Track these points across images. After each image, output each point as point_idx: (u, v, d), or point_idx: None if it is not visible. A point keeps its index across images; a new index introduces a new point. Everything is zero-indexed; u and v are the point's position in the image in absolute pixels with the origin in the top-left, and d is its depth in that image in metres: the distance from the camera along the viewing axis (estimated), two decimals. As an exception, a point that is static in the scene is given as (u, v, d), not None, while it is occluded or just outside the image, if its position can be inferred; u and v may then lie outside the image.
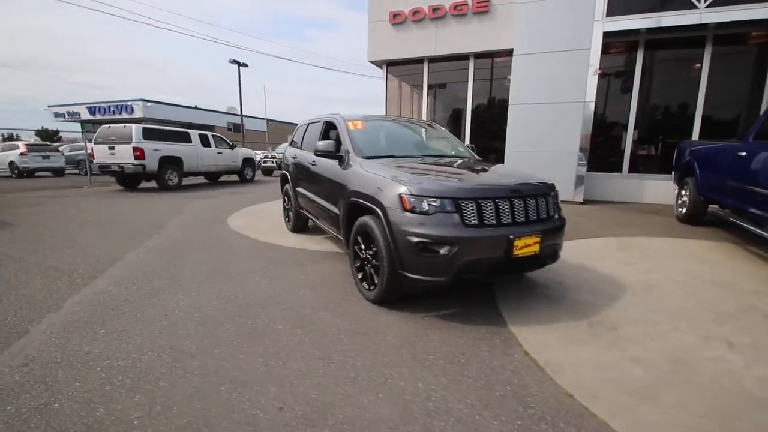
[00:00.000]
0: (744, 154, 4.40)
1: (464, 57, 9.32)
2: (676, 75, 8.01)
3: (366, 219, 2.86)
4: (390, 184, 2.66)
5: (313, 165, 4.08)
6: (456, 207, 2.47)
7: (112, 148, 9.42)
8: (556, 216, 2.91)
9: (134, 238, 4.79)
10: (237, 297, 2.96)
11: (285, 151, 5.58)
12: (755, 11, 6.46)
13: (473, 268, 2.50)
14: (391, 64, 10.19)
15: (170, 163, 10.20)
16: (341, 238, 3.51)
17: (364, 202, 2.87)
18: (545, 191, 2.86)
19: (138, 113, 26.03)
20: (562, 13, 7.61)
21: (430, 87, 9.95)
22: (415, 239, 2.45)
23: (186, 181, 11.48)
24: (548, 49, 7.80)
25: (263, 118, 38.66)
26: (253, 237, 4.95)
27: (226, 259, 3.92)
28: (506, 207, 2.57)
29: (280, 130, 39.09)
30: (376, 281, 2.79)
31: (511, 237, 2.49)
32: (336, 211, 3.48)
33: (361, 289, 3.00)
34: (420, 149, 3.94)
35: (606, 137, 8.50)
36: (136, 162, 9.25)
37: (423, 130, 4.35)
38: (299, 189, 4.67)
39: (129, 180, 10.51)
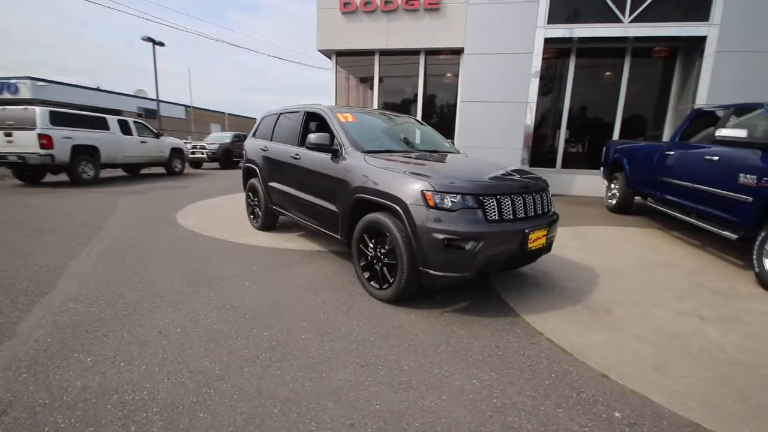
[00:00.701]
0: (673, 153, 5.13)
1: (416, 52, 9.43)
2: (601, 81, 9.01)
3: (377, 216, 2.76)
4: (409, 180, 2.60)
5: (296, 159, 3.82)
6: (478, 203, 2.51)
7: (9, 135, 7.78)
8: (553, 210, 3.10)
9: (70, 243, 4.05)
10: (234, 306, 2.67)
11: (246, 143, 5.15)
12: (667, 29, 7.53)
13: (493, 261, 2.57)
14: (341, 55, 9.92)
15: (84, 153, 8.78)
16: (336, 236, 3.35)
17: (377, 198, 2.77)
18: (545, 187, 3.03)
19: (25, 94, 21.85)
20: (510, 17, 8.08)
21: (380, 80, 9.90)
22: (441, 236, 2.43)
23: (102, 174, 10.01)
24: (496, 51, 8.25)
25: (182, 104, 35.19)
26: (219, 237, 4.50)
27: (198, 264, 3.50)
28: (520, 202, 2.67)
29: (201, 118, 35.96)
30: (390, 280, 2.72)
31: (527, 231, 2.60)
32: (331, 207, 3.31)
33: (370, 289, 2.91)
34: (410, 144, 3.91)
35: (543, 135, 9.28)
36: (42, 152, 7.77)
37: (409, 125, 4.31)
38: (272, 184, 4.35)
39: (31, 173, 8.82)
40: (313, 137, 3.32)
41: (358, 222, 2.97)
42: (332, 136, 3.36)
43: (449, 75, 9.62)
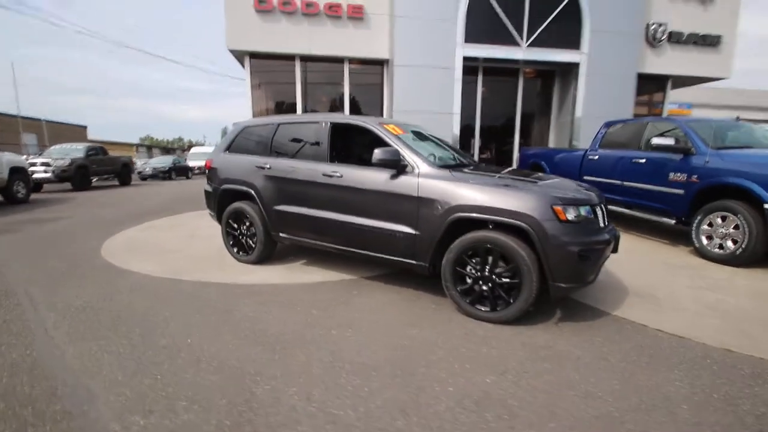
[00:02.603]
0: (597, 157, 6.28)
1: (339, 60, 9.18)
2: (502, 96, 10.37)
3: (489, 235, 2.61)
4: (536, 196, 2.55)
5: (331, 177, 3.29)
6: (594, 213, 2.63)
7: None
8: None
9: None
10: (359, 363, 2.16)
11: (218, 159, 4.19)
12: (553, 54, 9.17)
13: (601, 265, 2.73)
14: (256, 57, 8.91)
15: None
16: (407, 260, 3.03)
17: (490, 217, 2.61)
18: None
19: None
20: (434, 33, 8.61)
21: (303, 87, 9.28)
22: (576, 248, 2.46)
23: None
24: (423, 64, 8.68)
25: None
26: (210, 280, 3.53)
27: (243, 322, 2.68)
28: (605, 211, 2.90)
29: (7, 126, 27.34)
30: (512, 300, 2.61)
31: (618, 235, 2.85)
32: (406, 230, 2.96)
33: (477, 314, 2.72)
34: (455, 157, 3.77)
35: (462, 145, 10.17)
36: None
37: (431, 137, 4.13)
38: (283, 208, 3.64)
39: None
40: (380, 153, 2.92)
41: (452, 243, 2.76)
42: (391, 152, 3.01)
43: (375, 84, 9.67)
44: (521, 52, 9.07)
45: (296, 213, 3.57)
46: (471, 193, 2.71)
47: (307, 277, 3.67)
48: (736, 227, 4.10)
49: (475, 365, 2.16)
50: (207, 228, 5.80)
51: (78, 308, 2.87)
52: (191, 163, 22.28)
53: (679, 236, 5.31)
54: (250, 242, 3.99)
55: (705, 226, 4.41)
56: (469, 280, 2.78)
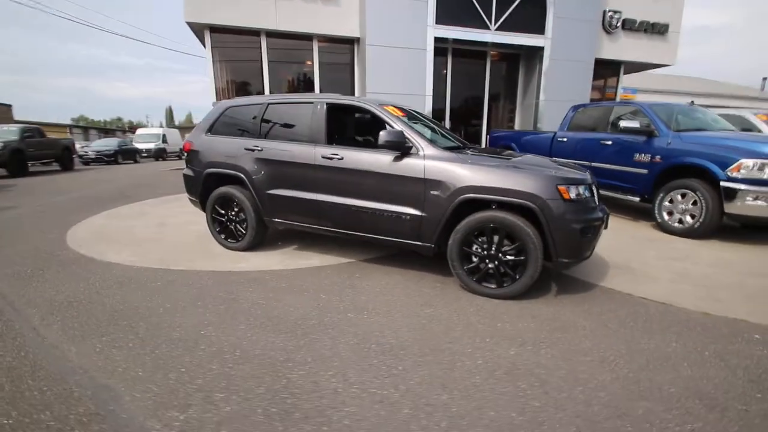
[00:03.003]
0: (566, 139, 6.61)
1: (308, 38, 8.81)
2: (472, 78, 10.51)
3: (496, 215, 2.71)
4: (541, 176, 2.66)
5: (331, 159, 3.22)
6: (591, 191, 2.80)
7: None
8: None
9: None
10: (371, 348, 2.18)
11: (199, 141, 3.94)
12: (520, 38, 9.39)
13: (597, 241, 2.93)
14: (216, 31, 8.32)
15: None
16: (412, 242, 3.07)
17: (498, 197, 2.70)
18: None
19: None
20: (404, 13, 8.48)
21: (270, 65, 8.84)
22: (579, 225, 2.63)
23: None
24: (395, 44, 8.56)
25: None
26: (206, 268, 3.37)
27: (255, 307, 2.60)
28: (597, 190, 3.09)
29: None
30: (518, 276, 2.74)
31: (608, 213, 3.06)
32: (411, 212, 2.99)
33: (484, 291, 2.84)
34: (453, 139, 3.81)
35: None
36: None
37: (427, 119, 4.11)
38: (276, 192, 3.52)
39: None
40: (385, 135, 2.89)
41: (458, 224, 2.83)
42: (396, 134, 2.99)
43: (344, 64, 9.42)
44: (490, 35, 9.21)
45: (292, 197, 3.47)
46: (479, 174, 2.77)
47: (304, 262, 3.61)
48: (695, 203, 4.53)
49: (495, 339, 2.27)
50: (176, 216, 5.49)
51: (63, 304, 2.63)
52: (139, 146, 20.65)
53: (641, 213, 5.79)
54: (240, 228, 3.83)
55: (666, 203, 4.83)
56: (475, 259, 2.88)
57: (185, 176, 4.13)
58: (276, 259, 3.66)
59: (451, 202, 2.82)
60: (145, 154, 20.88)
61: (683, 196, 4.68)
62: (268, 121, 3.64)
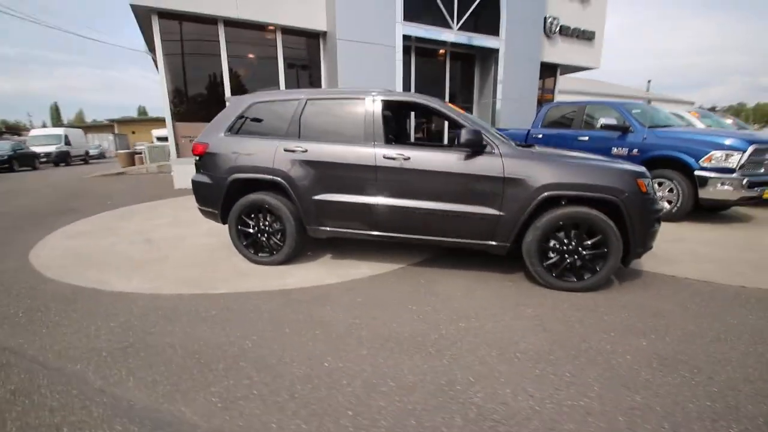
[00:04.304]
0: (541, 135, 7.06)
1: (271, 29, 8.18)
2: (434, 77, 10.67)
3: (579, 210, 2.77)
4: (622, 170, 2.78)
5: (402, 160, 3.00)
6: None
7: None
8: None
9: None
10: (518, 356, 2.11)
11: (222, 143, 3.41)
12: (478, 39, 9.79)
13: None
14: (165, 17, 7.30)
15: None
16: (486, 242, 3.01)
17: (583, 193, 2.76)
18: None
19: None
20: (374, 9, 8.30)
21: (228, 58, 8.02)
22: (653, 217, 2.81)
23: None
24: (365, 40, 8.35)
25: None
26: (254, 289, 2.93)
27: (341, 334, 2.31)
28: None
29: None
30: (598, 269, 2.84)
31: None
32: (488, 212, 2.92)
33: (564, 285, 2.89)
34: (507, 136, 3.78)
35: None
36: None
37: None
38: (326, 197, 3.19)
39: None
40: (466, 133, 2.79)
41: (537, 221, 2.85)
42: (477, 132, 2.88)
43: (310, 59, 8.93)
44: (453, 35, 9.45)
45: (345, 202, 3.18)
46: (562, 171, 2.81)
47: (355, 271, 3.34)
48: (671, 190, 5.15)
49: (617, 332, 2.32)
50: (155, 229, 4.76)
51: (114, 352, 2.08)
52: (36, 149, 17.38)
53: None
54: (274, 240, 3.41)
55: (647, 191, 5.42)
56: (552, 255, 2.92)
57: (197, 184, 3.56)
58: (321, 271, 3.33)
59: (533, 200, 2.82)
60: (44, 159, 17.68)
61: (660, 184, 5.28)
62: (308, 120, 3.28)
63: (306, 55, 8.92)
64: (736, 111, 66.80)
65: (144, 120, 42.78)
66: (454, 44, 9.92)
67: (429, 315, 2.54)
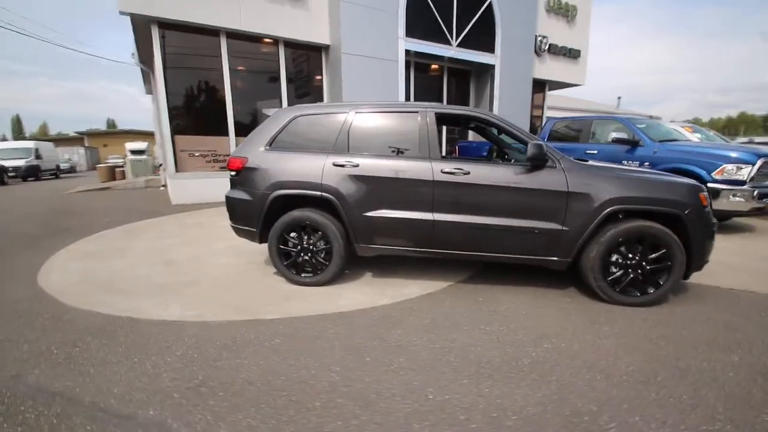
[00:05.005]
0: (549, 149, 7.18)
1: (274, 42, 8.04)
2: (431, 91, 10.77)
3: (643, 224, 2.75)
4: (686, 185, 2.80)
5: (461, 175, 2.92)
6: (707, 196, 3.04)
7: None
8: None
9: None
10: (618, 378, 2.02)
11: (262, 158, 3.22)
12: (476, 56, 9.98)
13: None
14: (165, 27, 7.04)
15: None
16: (547, 258, 2.95)
17: (650, 207, 2.75)
18: None
19: None
20: (378, 23, 8.33)
21: (231, 71, 7.79)
22: (712, 230, 2.83)
23: None
24: (370, 54, 8.35)
25: None
26: (312, 313, 2.73)
27: (429, 360, 2.16)
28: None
29: None
30: (661, 282, 2.83)
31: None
32: (550, 226, 2.86)
33: (626, 300, 2.85)
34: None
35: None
36: None
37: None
38: (376, 214, 3.06)
39: None
40: (532, 148, 2.74)
41: (601, 235, 2.81)
42: (540, 146, 2.84)
43: (312, 72, 8.82)
44: (452, 51, 9.61)
45: (399, 218, 3.05)
46: (626, 185, 2.80)
47: (406, 291, 3.20)
48: (684, 202, 5.30)
49: (704, 348, 2.28)
50: (170, 249, 4.47)
51: (188, 392, 1.84)
52: (4, 163, 16.30)
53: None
54: (318, 259, 3.22)
55: (660, 203, 5.56)
56: (614, 270, 2.88)
57: (233, 201, 3.34)
58: (369, 291, 3.17)
59: (599, 215, 2.78)
60: (13, 174, 16.60)
61: (673, 196, 5.43)
62: (356, 134, 3.15)
63: (308, 67, 8.80)
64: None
65: (116, 132, 41.22)
66: (451, 59, 10.09)
67: (507, 336, 2.43)
